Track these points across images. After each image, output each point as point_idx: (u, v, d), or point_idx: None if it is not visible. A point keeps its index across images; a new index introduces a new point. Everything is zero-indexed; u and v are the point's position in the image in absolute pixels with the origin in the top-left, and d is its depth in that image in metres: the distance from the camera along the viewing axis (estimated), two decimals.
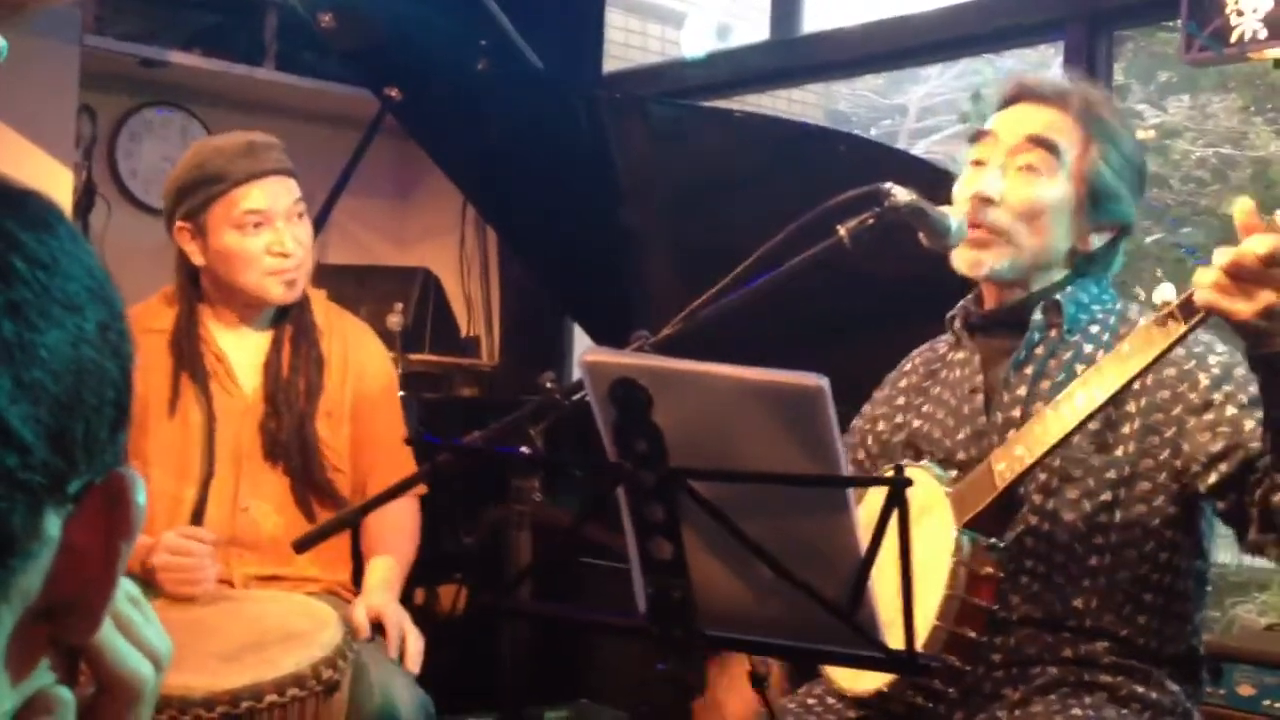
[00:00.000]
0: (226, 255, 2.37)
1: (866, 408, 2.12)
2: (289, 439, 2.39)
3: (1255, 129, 7.01)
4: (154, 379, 2.37)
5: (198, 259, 2.40)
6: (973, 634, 1.71)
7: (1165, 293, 1.61)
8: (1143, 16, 3.24)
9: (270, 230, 2.36)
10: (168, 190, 2.43)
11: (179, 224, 2.40)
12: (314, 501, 2.41)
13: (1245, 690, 2.33)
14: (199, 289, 2.45)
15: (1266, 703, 2.31)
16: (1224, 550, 6.45)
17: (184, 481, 2.37)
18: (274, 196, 2.37)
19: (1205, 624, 1.90)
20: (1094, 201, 1.84)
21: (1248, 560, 6.45)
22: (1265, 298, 1.45)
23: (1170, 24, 3.20)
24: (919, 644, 1.41)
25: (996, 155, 1.86)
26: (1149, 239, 6.73)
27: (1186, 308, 1.55)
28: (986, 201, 1.82)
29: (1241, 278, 1.45)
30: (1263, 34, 2.41)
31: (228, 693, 1.86)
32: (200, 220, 2.37)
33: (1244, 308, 1.46)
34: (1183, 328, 1.56)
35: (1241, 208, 1.48)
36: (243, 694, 1.86)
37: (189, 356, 2.39)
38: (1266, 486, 1.60)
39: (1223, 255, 1.47)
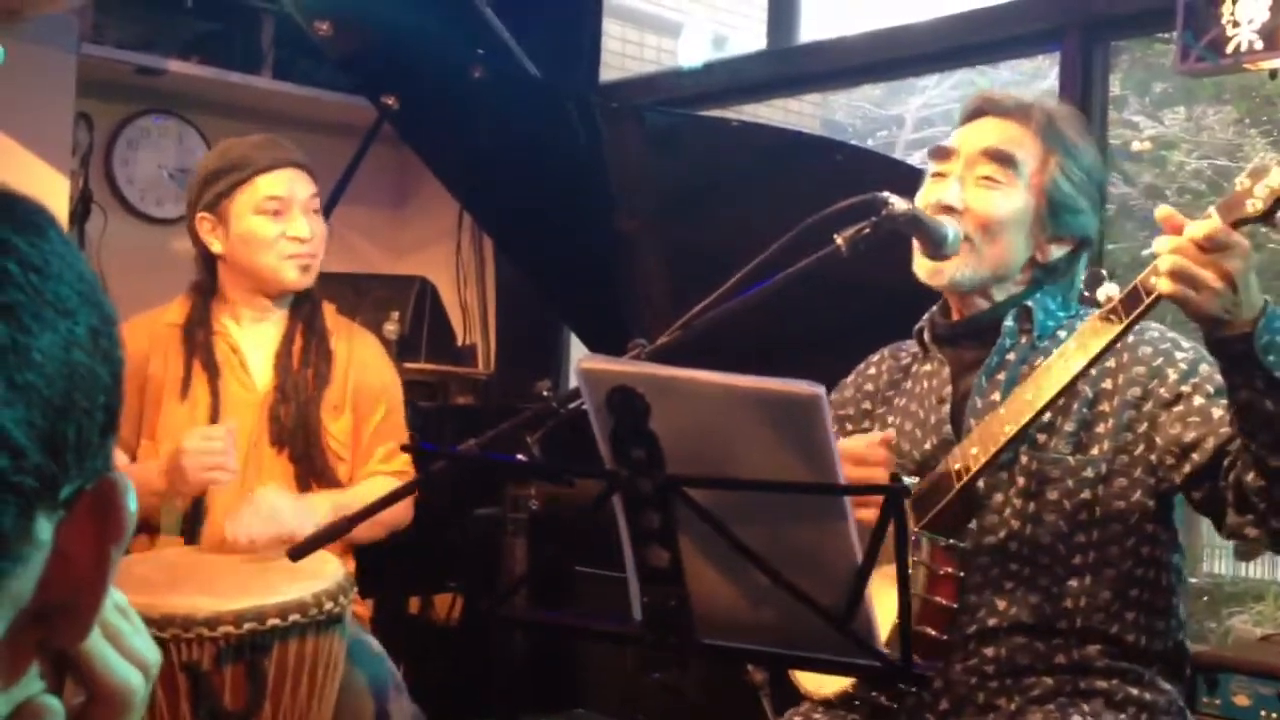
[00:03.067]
0: (247, 239, 2.49)
1: (835, 395, 2.13)
2: (294, 425, 2.48)
3: (1250, 141, 7.03)
4: (169, 366, 2.49)
5: (217, 248, 2.51)
6: (934, 632, 1.74)
7: (1108, 289, 1.67)
8: (1139, 27, 3.24)
9: (289, 217, 2.49)
10: (193, 182, 2.57)
11: (200, 215, 2.52)
12: (316, 488, 2.48)
13: (1241, 701, 2.33)
14: (215, 285, 2.56)
15: (1263, 713, 2.30)
16: (1220, 561, 6.46)
17: None
18: (293, 185, 2.51)
19: (1200, 634, 1.92)
20: (1053, 213, 1.87)
21: (1243, 571, 6.46)
22: (1210, 280, 1.50)
23: (1166, 35, 3.21)
24: (880, 641, 1.42)
25: (956, 168, 1.89)
26: (1145, 251, 6.74)
27: (1128, 302, 1.61)
28: (948, 210, 1.85)
29: (1187, 264, 1.51)
30: (1259, 45, 2.41)
31: (232, 613, 1.95)
32: (222, 208, 2.49)
33: (1193, 294, 1.52)
34: (1124, 321, 1.62)
35: (1163, 212, 1.56)
36: (246, 615, 1.95)
37: (201, 345, 2.50)
38: (1240, 468, 1.62)
39: (1165, 243, 1.53)
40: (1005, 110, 1.91)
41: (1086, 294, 1.89)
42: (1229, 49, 2.45)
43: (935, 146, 1.95)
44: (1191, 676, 2.01)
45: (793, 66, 3.79)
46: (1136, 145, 6.98)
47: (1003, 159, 1.86)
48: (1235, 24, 2.44)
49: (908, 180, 1.95)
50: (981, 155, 1.87)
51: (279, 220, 2.48)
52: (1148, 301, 1.59)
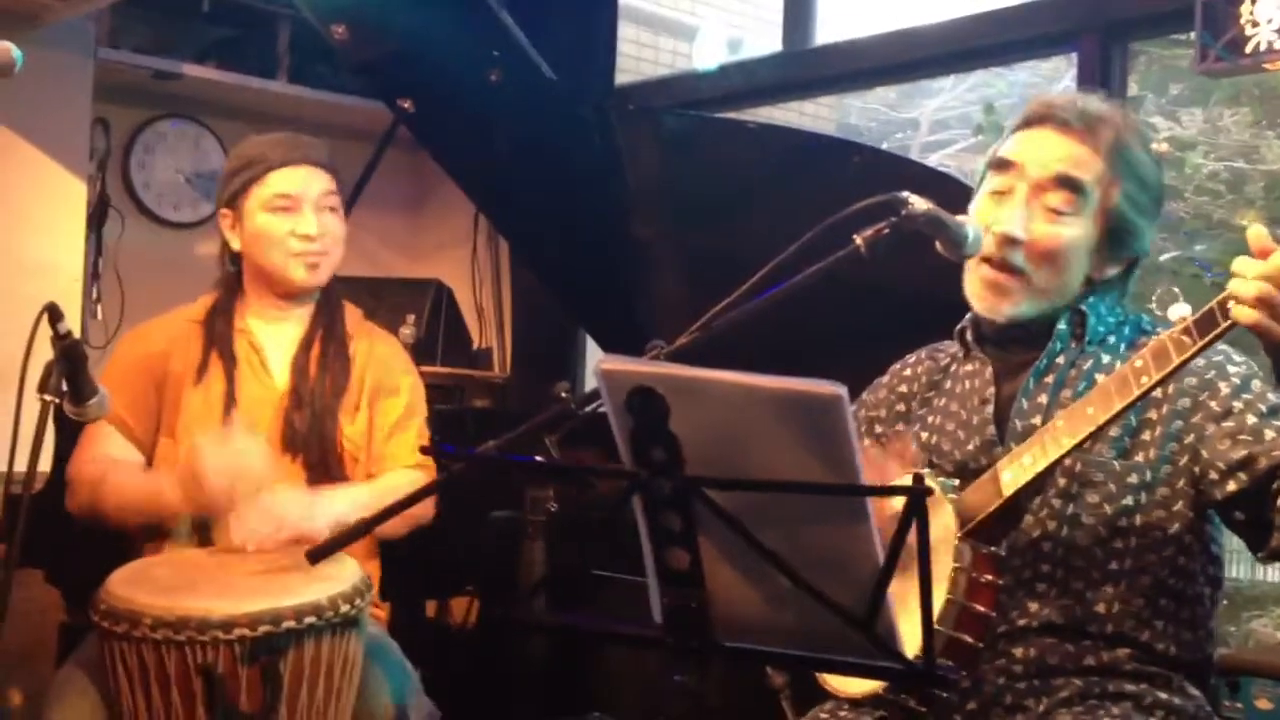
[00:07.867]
0: (257, 237, 2.49)
1: (868, 395, 2.12)
2: (309, 433, 2.45)
3: (1267, 143, 7.00)
4: (188, 358, 2.49)
5: (235, 244, 2.53)
6: (971, 639, 1.71)
7: (1180, 310, 1.62)
8: (1157, 28, 3.23)
9: (298, 215, 2.48)
10: (219, 179, 2.60)
11: (222, 211, 2.55)
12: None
13: (1263, 704, 2.32)
14: (240, 282, 2.57)
15: None
16: (1239, 565, 6.42)
17: None
18: (304, 183, 2.49)
19: (1221, 638, 1.90)
20: (1114, 238, 1.84)
21: (1262, 575, 6.42)
22: None
23: (1184, 36, 3.20)
24: (917, 647, 1.41)
25: (1021, 188, 1.84)
26: (1163, 256, 6.71)
27: (1202, 324, 1.55)
28: (1011, 242, 1.82)
29: (1274, 293, 1.46)
30: (1278, 45, 2.40)
31: (246, 615, 1.92)
32: (239, 205, 2.50)
33: (1277, 326, 1.48)
34: (1198, 344, 1.56)
35: (1255, 233, 1.50)
36: (261, 618, 1.92)
37: (219, 336, 2.50)
38: None
39: (1250, 268, 1.48)
40: (1068, 123, 1.84)
41: (1159, 313, 1.85)
42: (1248, 49, 2.44)
43: (997, 157, 1.89)
44: (1213, 681, 1.99)
45: (808, 69, 3.79)
46: (1154, 146, 6.95)
47: (1074, 186, 1.81)
48: (1254, 24, 2.44)
49: (926, 181, 1.94)
50: (1053, 182, 1.82)
51: (288, 217, 2.46)
52: (1224, 326, 1.53)
